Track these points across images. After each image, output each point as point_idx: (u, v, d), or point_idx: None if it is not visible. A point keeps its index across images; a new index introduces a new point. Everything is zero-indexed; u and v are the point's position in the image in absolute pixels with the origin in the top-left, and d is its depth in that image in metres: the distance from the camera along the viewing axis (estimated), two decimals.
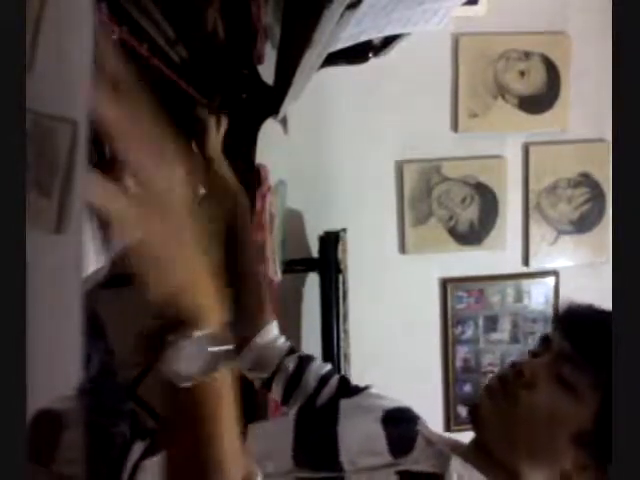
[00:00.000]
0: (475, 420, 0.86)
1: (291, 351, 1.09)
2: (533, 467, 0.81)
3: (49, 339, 0.37)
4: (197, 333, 0.51)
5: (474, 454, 0.84)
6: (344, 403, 0.96)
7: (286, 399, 1.05)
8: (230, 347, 0.53)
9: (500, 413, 0.83)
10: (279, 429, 0.91)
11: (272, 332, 1.10)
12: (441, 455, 0.83)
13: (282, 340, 1.11)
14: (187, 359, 0.51)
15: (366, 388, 1.03)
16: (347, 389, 1.04)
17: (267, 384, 1.06)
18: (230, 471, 0.55)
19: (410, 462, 0.83)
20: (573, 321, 0.85)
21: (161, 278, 0.50)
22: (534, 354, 0.87)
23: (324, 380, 1.04)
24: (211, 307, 0.53)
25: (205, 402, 0.53)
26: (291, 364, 1.06)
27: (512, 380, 0.83)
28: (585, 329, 0.82)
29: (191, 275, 0.52)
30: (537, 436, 0.80)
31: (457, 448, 0.87)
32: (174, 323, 0.51)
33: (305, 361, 1.07)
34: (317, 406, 1.01)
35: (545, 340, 0.87)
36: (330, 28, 0.63)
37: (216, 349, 0.52)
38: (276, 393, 1.06)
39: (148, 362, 0.50)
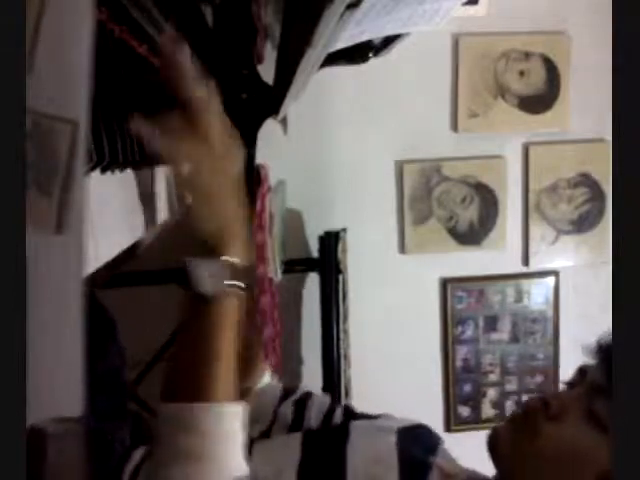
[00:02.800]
0: (494, 449, 0.80)
1: (284, 396, 1.01)
2: None
3: (50, 339, 0.37)
4: (223, 258, 0.63)
5: None
6: (354, 425, 0.89)
7: None
8: (242, 284, 0.64)
9: (521, 445, 0.77)
10: (285, 449, 0.86)
11: (266, 378, 1.04)
12: None
13: (274, 384, 1.04)
14: (209, 276, 0.62)
15: (378, 416, 0.97)
16: (353, 416, 0.97)
17: (265, 436, 0.96)
18: (223, 383, 0.63)
19: None
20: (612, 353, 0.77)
21: (208, 209, 0.63)
22: (569, 384, 0.81)
23: (328, 417, 0.97)
24: (239, 244, 0.65)
25: (214, 317, 0.62)
26: (288, 413, 0.98)
27: (537, 411, 0.77)
28: None
29: (231, 212, 0.65)
30: (560, 473, 0.74)
31: None
32: (209, 248, 0.63)
33: (302, 405, 0.99)
34: (325, 431, 0.94)
35: (582, 371, 0.80)
36: (330, 28, 0.63)
37: (231, 279, 0.63)
38: None
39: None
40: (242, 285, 0.64)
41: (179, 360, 0.65)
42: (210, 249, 0.63)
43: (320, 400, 1.02)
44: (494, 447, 0.79)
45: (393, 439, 0.84)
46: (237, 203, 0.67)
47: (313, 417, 0.97)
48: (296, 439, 0.87)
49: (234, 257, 0.64)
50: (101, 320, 1.10)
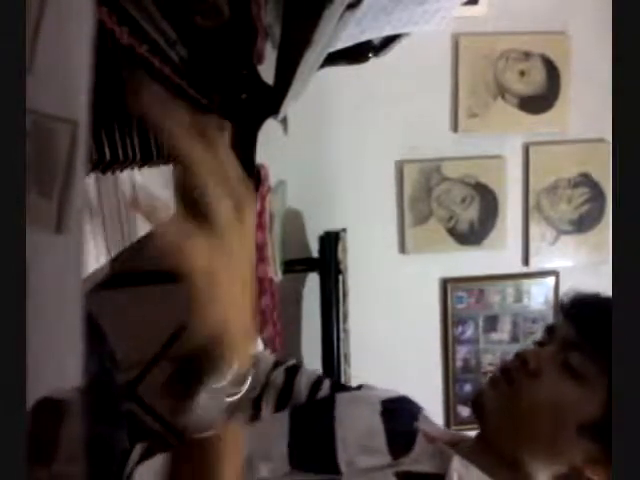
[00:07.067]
0: (478, 411, 0.82)
1: (276, 365, 1.03)
2: (540, 462, 0.77)
3: (49, 340, 0.37)
4: (227, 378, 0.49)
5: (477, 451, 0.81)
6: (340, 396, 0.92)
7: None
8: (244, 396, 0.52)
9: (504, 403, 0.79)
10: (274, 429, 0.87)
11: (257, 348, 1.04)
12: (442, 454, 0.79)
13: (266, 354, 1.05)
14: (210, 404, 0.49)
15: (360, 386, 1.00)
16: (341, 388, 1.00)
17: (256, 403, 0.97)
18: None
19: (410, 462, 0.79)
20: (579, 308, 0.81)
21: (214, 313, 0.47)
22: (539, 343, 0.83)
23: (316, 386, 0.99)
24: (246, 348, 0.51)
25: (213, 454, 0.51)
26: (279, 378, 0.99)
27: (516, 369, 0.80)
28: (591, 315, 0.79)
29: (238, 312, 0.50)
30: (543, 427, 0.76)
31: (459, 444, 0.83)
32: (208, 363, 0.48)
33: (293, 372, 1.01)
34: (312, 403, 0.96)
35: (550, 329, 0.83)
36: (330, 28, 0.63)
37: (235, 398, 0.51)
38: (266, 410, 0.98)
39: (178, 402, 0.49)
40: (248, 398, 0.52)
41: None
42: (209, 359, 0.49)
43: (309, 370, 1.04)
44: (479, 408, 0.82)
45: (378, 409, 0.87)
46: (246, 292, 0.51)
47: (303, 384, 0.99)
48: (284, 414, 0.89)
49: (240, 366, 0.51)
50: (86, 323, 1.10)
